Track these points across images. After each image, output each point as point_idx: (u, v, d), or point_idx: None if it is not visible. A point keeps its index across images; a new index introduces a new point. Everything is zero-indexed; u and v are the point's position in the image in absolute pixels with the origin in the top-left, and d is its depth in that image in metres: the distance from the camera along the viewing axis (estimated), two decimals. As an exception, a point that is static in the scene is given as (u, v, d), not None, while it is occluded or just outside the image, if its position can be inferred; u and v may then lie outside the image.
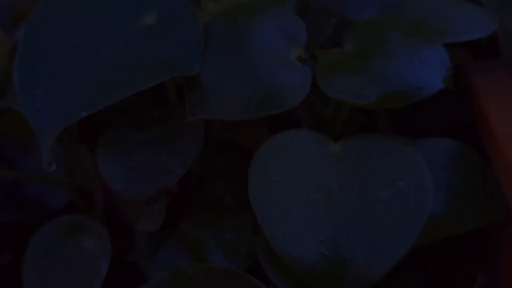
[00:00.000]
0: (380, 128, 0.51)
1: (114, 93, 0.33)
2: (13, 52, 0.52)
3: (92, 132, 0.47)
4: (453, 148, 0.40)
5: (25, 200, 0.78)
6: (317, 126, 0.44)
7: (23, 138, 0.68)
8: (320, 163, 0.36)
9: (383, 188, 0.34)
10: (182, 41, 0.37)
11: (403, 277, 0.39)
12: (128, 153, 0.43)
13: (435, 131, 0.45)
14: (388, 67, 0.35)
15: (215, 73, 0.37)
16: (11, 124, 0.59)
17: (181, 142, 0.43)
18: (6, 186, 0.80)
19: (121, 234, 0.57)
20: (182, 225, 0.50)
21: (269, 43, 0.38)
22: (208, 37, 0.38)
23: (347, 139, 0.37)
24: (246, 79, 0.36)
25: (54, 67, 0.37)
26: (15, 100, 0.51)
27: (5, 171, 0.57)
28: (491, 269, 0.44)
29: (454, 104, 0.52)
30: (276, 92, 0.36)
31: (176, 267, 0.36)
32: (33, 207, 0.77)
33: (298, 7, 0.43)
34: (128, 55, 0.37)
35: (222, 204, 0.49)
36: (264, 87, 0.36)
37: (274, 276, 0.34)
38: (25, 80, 0.36)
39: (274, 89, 0.36)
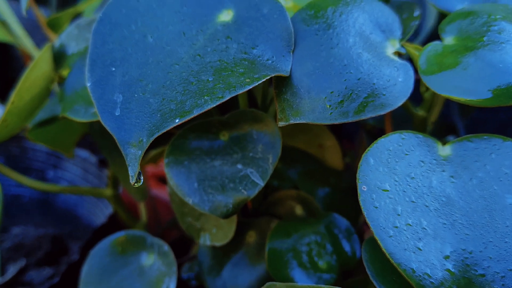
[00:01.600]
0: (456, 128, 0.47)
1: (209, 96, 0.29)
2: (59, 57, 0.48)
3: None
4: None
5: (59, 213, 0.74)
6: (401, 126, 0.40)
7: (54, 148, 0.64)
8: (432, 168, 0.32)
9: (509, 193, 0.30)
10: (269, 39, 0.33)
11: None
12: (200, 163, 0.39)
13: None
14: (504, 59, 0.31)
15: (308, 72, 0.33)
16: (43, 134, 0.55)
17: (257, 149, 0.39)
18: (37, 199, 0.75)
19: (175, 248, 0.53)
20: (250, 238, 0.45)
21: (364, 37, 0.34)
22: (295, 34, 0.34)
23: (457, 140, 0.33)
24: (344, 77, 0.32)
25: (130, 70, 0.33)
26: (58, 106, 0.47)
27: (47, 184, 0.52)
28: None
29: None
30: (378, 91, 0.32)
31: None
32: (69, 220, 0.72)
33: (378, -1, 0.39)
34: (210, 54, 0.33)
35: (293, 214, 0.45)
36: (365, 86, 0.32)
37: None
38: (99, 85, 0.32)
39: (376, 88, 0.32)
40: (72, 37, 0.50)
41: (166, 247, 0.44)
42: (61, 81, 0.49)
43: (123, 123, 0.30)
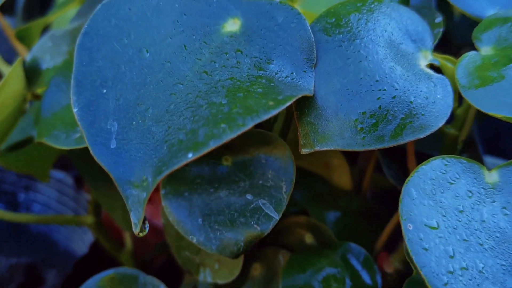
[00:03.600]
0: (474, 141, 0.43)
1: (227, 123, 0.24)
2: (31, 72, 0.42)
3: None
4: None
5: (32, 238, 0.67)
6: (422, 142, 0.36)
7: (28, 173, 0.57)
8: (481, 198, 0.27)
9: None
10: (287, 52, 0.28)
11: None
12: (202, 194, 0.33)
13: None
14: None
15: (335, 90, 0.28)
16: (15, 158, 0.48)
17: (267, 176, 0.33)
18: (6, 223, 0.68)
19: (165, 274, 0.47)
20: (255, 272, 0.40)
21: (395, 48, 0.29)
22: (315, 45, 0.29)
23: (504, 165, 0.28)
24: (377, 95, 0.28)
25: (125, 92, 0.27)
26: (32, 128, 0.41)
27: (18, 214, 0.46)
28: None
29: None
30: (416, 110, 0.27)
31: None
32: (44, 246, 0.66)
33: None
34: (219, 71, 0.28)
35: (302, 244, 0.40)
36: (401, 105, 0.27)
37: None
38: (88, 111, 0.26)
39: (414, 107, 0.27)
40: (46, 50, 0.43)
41: (162, 286, 0.39)
42: (35, 99, 0.43)
43: (120, 158, 0.25)
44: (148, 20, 0.29)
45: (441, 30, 0.34)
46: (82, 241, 0.61)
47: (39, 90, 0.41)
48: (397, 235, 0.43)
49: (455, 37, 0.58)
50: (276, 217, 0.32)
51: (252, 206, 0.32)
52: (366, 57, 0.28)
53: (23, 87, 0.41)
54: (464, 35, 0.53)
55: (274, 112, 0.24)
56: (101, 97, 0.27)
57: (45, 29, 0.58)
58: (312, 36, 0.28)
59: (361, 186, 0.46)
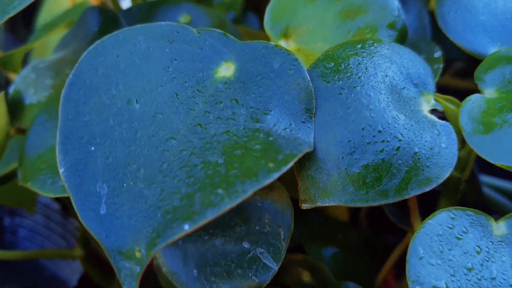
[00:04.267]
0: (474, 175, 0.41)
1: (224, 189, 0.22)
2: (14, 107, 0.40)
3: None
4: None
5: (19, 264, 0.65)
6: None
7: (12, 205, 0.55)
8: (490, 254, 0.26)
9: None
10: (284, 101, 0.27)
11: None
12: (197, 242, 0.31)
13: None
14: None
15: (336, 141, 0.26)
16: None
17: (263, 221, 0.32)
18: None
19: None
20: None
21: (397, 93, 0.28)
22: (314, 92, 0.28)
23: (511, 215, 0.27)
24: (380, 147, 0.26)
25: (115, 149, 0.25)
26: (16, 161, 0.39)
27: (7, 252, 0.44)
28: None
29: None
30: (421, 162, 0.26)
31: None
32: (30, 272, 0.63)
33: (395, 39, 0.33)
34: (214, 124, 0.26)
35: (300, 283, 0.39)
36: (405, 157, 0.26)
37: None
38: (75, 171, 0.24)
39: (418, 158, 0.26)
40: (29, 83, 0.41)
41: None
42: (19, 134, 0.41)
43: (111, 225, 0.23)
44: (137, 68, 0.28)
45: (441, 66, 0.33)
46: (70, 268, 0.59)
47: (23, 126, 0.39)
48: (397, 267, 0.42)
49: (448, 54, 0.58)
50: (275, 267, 0.30)
51: (249, 255, 0.31)
52: (368, 105, 0.27)
53: (5, 123, 0.39)
54: (456, 51, 0.53)
55: (275, 176, 0.23)
56: (89, 156, 0.25)
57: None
58: (311, 84, 0.27)
59: (358, 216, 0.45)
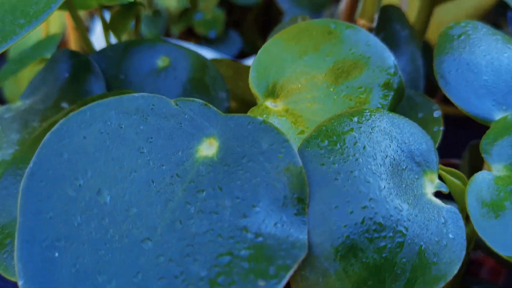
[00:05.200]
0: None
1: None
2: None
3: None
4: None
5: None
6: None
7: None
8: None
9: None
10: (274, 189, 0.23)
11: None
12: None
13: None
14: None
15: (332, 237, 0.23)
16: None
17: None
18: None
19: None
20: None
21: (398, 176, 0.25)
22: (307, 176, 0.24)
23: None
24: (381, 243, 0.23)
25: (82, 254, 0.22)
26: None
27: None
28: None
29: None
30: (426, 259, 0.23)
31: None
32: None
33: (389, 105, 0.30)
34: (195, 220, 0.23)
35: None
36: (409, 254, 0.23)
37: None
38: (37, 284, 0.21)
39: (424, 255, 0.23)
40: (-7, 136, 0.37)
41: None
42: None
43: None
44: (107, 151, 0.24)
45: (441, 128, 0.30)
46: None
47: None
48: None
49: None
50: None
51: None
52: (367, 194, 0.24)
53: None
54: None
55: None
56: (53, 264, 0.22)
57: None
58: (303, 169, 0.24)
59: None
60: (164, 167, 0.24)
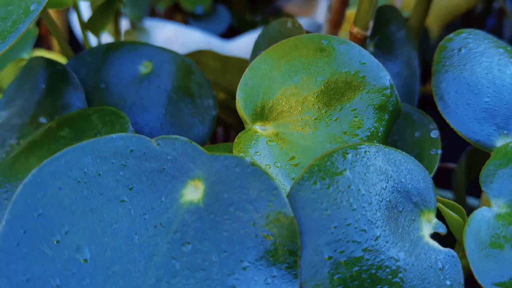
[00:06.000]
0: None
1: None
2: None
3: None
4: None
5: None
6: None
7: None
8: None
9: None
10: (265, 244, 0.22)
11: None
12: None
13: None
14: None
15: (325, 289, 0.22)
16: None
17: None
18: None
19: None
20: None
21: (393, 221, 0.24)
22: (299, 225, 0.23)
23: None
24: (377, 295, 0.22)
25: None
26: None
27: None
28: None
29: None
30: (424, 310, 0.22)
31: None
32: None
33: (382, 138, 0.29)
34: (180, 279, 0.21)
35: None
36: (406, 306, 0.22)
37: None
38: None
39: (421, 306, 0.22)
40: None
41: None
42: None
43: None
44: (85, 202, 0.23)
45: (439, 152, 0.29)
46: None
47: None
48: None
49: (431, 59, 0.55)
50: None
51: None
52: (362, 244, 0.22)
53: None
54: None
55: None
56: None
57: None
58: (295, 220, 0.22)
59: None
60: (147, 216, 0.23)
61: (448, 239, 0.27)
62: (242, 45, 0.64)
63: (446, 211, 0.26)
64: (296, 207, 0.23)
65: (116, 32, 0.45)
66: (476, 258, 0.23)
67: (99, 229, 0.22)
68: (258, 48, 0.38)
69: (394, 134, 0.31)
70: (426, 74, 0.48)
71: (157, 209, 0.23)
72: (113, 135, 0.24)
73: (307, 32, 0.33)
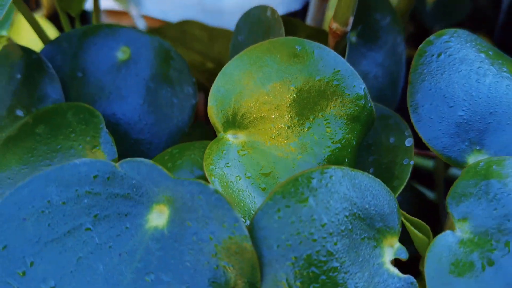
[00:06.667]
0: None
1: None
2: None
3: None
4: None
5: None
6: None
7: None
8: None
9: None
10: (224, 275, 0.23)
11: None
12: None
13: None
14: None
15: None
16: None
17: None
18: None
19: None
20: None
21: (354, 250, 0.24)
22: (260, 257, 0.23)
23: None
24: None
25: None
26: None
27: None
28: None
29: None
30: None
31: None
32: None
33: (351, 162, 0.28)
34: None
35: None
36: (362, 336, 0.23)
37: None
38: None
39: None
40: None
41: None
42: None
43: None
44: (50, 232, 0.23)
45: (411, 163, 0.29)
46: None
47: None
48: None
49: (427, 23, 0.56)
50: None
51: None
52: (320, 276, 0.23)
53: None
54: (434, 21, 0.57)
55: None
56: None
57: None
58: (255, 254, 0.23)
59: None
60: (111, 243, 0.23)
61: (416, 254, 0.27)
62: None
63: (411, 229, 0.26)
64: (258, 236, 0.23)
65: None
66: (435, 286, 0.24)
67: (64, 260, 0.23)
68: (238, 32, 0.36)
69: (369, 137, 0.31)
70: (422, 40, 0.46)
71: (122, 237, 0.23)
72: (77, 161, 0.24)
73: (287, 19, 0.32)
